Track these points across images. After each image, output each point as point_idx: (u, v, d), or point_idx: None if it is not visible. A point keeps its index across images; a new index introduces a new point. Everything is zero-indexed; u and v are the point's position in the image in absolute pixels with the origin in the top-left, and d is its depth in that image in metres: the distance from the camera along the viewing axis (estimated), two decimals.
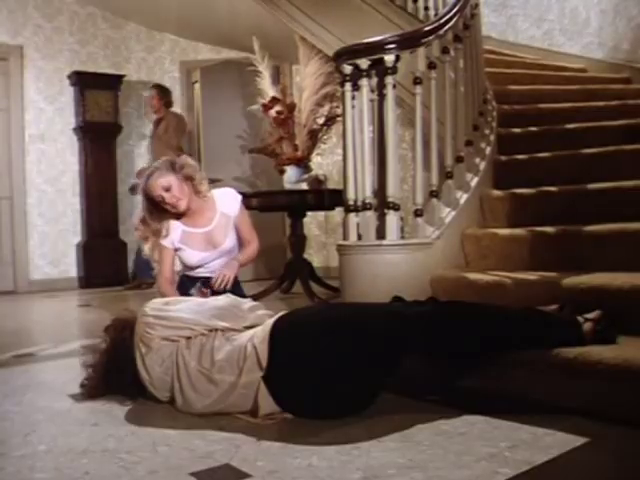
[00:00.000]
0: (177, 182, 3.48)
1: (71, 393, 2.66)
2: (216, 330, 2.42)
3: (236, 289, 3.56)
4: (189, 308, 2.52)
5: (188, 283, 3.62)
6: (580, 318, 2.38)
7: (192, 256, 3.59)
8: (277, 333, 2.30)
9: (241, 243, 3.72)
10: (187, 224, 3.59)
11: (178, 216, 3.57)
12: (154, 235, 3.58)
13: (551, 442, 1.96)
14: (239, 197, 3.72)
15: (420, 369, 2.51)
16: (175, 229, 3.59)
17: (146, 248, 3.65)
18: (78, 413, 2.45)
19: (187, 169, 3.55)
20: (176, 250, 3.61)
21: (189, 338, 2.41)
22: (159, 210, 3.54)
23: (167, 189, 3.45)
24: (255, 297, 4.81)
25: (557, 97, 4.82)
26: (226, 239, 3.61)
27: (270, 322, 2.37)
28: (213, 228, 3.59)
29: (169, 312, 2.48)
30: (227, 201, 3.67)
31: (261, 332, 2.34)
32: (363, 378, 2.26)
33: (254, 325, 2.45)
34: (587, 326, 2.35)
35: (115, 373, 2.54)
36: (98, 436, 2.16)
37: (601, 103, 4.62)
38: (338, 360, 2.23)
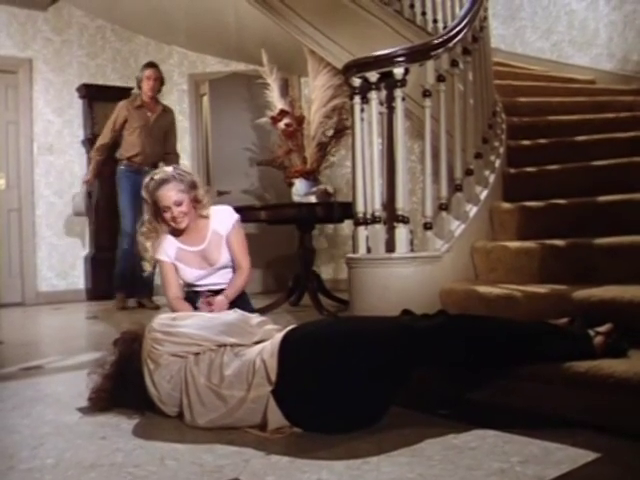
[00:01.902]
0: (188, 200, 3.45)
1: (79, 406, 2.65)
2: (225, 346, 2.41)
3: (244, 303, 3.54)
4: (197, 324, 2.51)
5: (194, 297, 3.60)
6: (591, 331, 2.36)
7: (188, 273, 3.56)
8: (286, 347, 2.29)
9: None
10: (181, 241, 3.55)
11: (172, 230, 3.54)
12: (158, 235, 3.53)
13: (563, 457, 1.93)
14: (235, 216, 3.64)
15: (430, 383, 2.49)
16: (170, 245, 3.55)
17: (147, 257, 3.57)
18: (86, 426, 2.44)
19: (198, 190, 3.52)
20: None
21: (197, 354, 2.40)
22: (157, 218, 3.51)
23: (178, 204, 3.42)
24: (263, 310, 4.84)
25: (566, 109, 4.81)
26: (221, 256, 3.57)
27: (279, 336, 2.36)
28: (206, 247, 3.55)
29: (177, 328, 2.46)
30: (221, 219, 3.59)
31: (270, 346, 2.33)
32: (372, 392, 2.25)
33: (263, 340, 2.44)
34: (598, 339, 2.33)
35: (123, 387, 2.53)
36: (106, 450, 2.14)
37: (611, 115, 4.61)
38: (347, 374, 2.22)
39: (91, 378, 2.63)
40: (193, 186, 3.50)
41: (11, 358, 3.83)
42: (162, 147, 6.51)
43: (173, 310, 3.47)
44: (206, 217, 3.57)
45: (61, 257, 7.77)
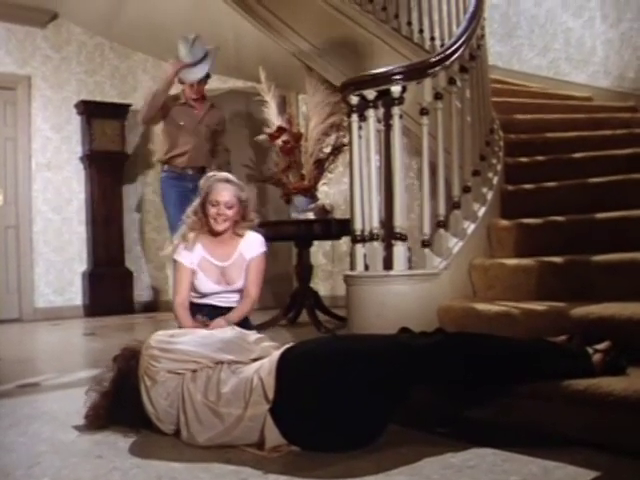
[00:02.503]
0: (237, 208, 3.52)
1: (75, 424, 2.63)
2: (222, 363, 2.40)
3: (243, 320, 3.54)
4: (195, 341, 2.50)
5: (195, 310, 3.59)
6: (590, 349, 2.36)
7: (205, 284, 3.57)
8: (284, 365, 2.28)
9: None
10: (207, 250, 3.57)
11: (209, 230, 3.56)
12: (201, 228, 3.56)
13: (562, 476, 1.93)
14: (264, 247, 3.66)
15: (428, 401, 2.48)
16: (196, 251, 3.56)
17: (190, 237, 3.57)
18: (82, 445, 2.43)
19: (249, 208, 3.59)
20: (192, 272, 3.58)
21: (195, 371, 2.39)
22: (200, 211, 3.56)
23: (228, 206, 3.48)
24: (261, 326, 4.82)
25: (564, 126, 4.82)
26: (239, 279, 3.59)
27: (277, 354, 2.36)
28: (230, 265, 3.57)
29: (174, 345, 2.46)
30: (251, 244, 3.62)
31: (268, 364, 2.32)
32: (370, 410, 2.24)
33: (260, 357, 2.43)
34: (597, 357, 2.33)
35: (120, 404, 2.52)
36: (102, 469, 2.13)
37: (608, 132, 4.62)
38: (345, 392, 2.21)
39: (89, 395, 2.62)
40: (247, 202, 3.57)
41: (8, 375, 3.81)
42: (208, 148, 5.85)
43: (175, 315, 3.50)
44: (240, 236, 3.60)
45: (59, 273, 7.75)
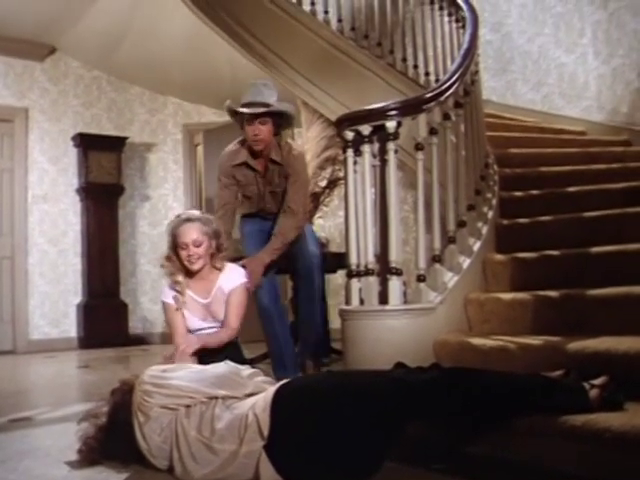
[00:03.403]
0: (207, 244, 3.48)
1: (68, 460, 2.60)
2: (216, 398, 2.39)
3: (235, 352, 3.52)
4: (187, 376, 2.49)
5: None
6: (586, 384, 2.34)
7: (192, 321, 3.55)
8: (279, 401, 2.27)
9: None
10: (191, 288, 3.55)
11: (185, 271, 3.53)
12: (179, 272, 3.51)
13: None
14: (244, 279, 3.62)
15: (424, 436, 2.47)
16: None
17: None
18: None
19: (220, 240, 3.55)
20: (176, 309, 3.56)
21: (188, 406, 2.37)
22: (173, 256, 3.52)
23: (197, 245, 3.45)
24: (255, 360, 4.79)
25: (558, 160, 4.84)
26: (223, 312, 3.56)
27: (272, 390, 2.34)
28: (211, 302, 3.55)
29: (168, 380, 2.44)
30: (229, 276, 3.59)
31: (262, 401, 2.30)
32: (366, 446, 2.22)
33: (254, 393, 2.41)
34: (594, 392, 2.32)
35: (113, 438, 2.49)
36: None
37: (602, 166, 4.65)
38: (340, 428, 2.19)
39: (82, 428, 2.59)
40: (216, 235, 3.53)
41: (0, 409, 3.78)
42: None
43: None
44: (219, 269, 3.58)
45: (53, 305, 7.74)
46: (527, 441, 2.34)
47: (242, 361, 3.23)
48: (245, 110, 4.00)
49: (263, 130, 3.97)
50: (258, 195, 4.14)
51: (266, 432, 2.21)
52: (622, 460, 2.10)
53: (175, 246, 3.49)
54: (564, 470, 2.21)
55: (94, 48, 7.72)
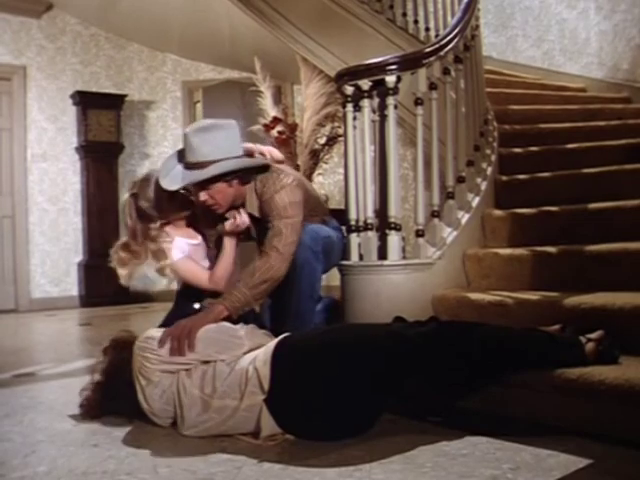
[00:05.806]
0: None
1: (71, 414, 2.64)
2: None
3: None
4: None
5: (185, 303, 3.25)
6: (582, 338, 2.37)
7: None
8: (279, 355, 2.29)
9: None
10: (185, 237, 3.22)
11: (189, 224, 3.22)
12: (135, 258, 3.12)
13: (554, 464, 1.94)
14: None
15: (422, 390, 2.49)
16: (181, 245, 3.16)
17: (123, 274, 3.12)
18: (78, 434, 2.44)
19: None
20: None
21: (188, 369, 2.39)
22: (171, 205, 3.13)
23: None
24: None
25: (557, 117, 4.82)
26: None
27: (272, 344, 2.36)
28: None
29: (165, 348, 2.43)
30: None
31: (263, 355, 2.33)
32: (365, 400, 2.25)
33: (254, 348, 2.43)
34: (589, 346, 2.34)
35: (113, 396, 2.52)
36: (98, 457, 2.14)
37: (602, 123, 4.63)
38: (340, 382, 2.22)
39: (84, 385, 2.63)
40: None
41: (3, 365, 3.82)
42: None
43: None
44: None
45: (54, 264, 7.77)
46: (523, 395, 2.37)
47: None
48: (165, 186, 2.96)
49: (214, 194, 2.95)
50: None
51: (266, 386, 2.24)
52: (616, 412, 2.13)
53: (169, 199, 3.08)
54: (559, 423, 2.25)
55: (91, 4, 7.63)
